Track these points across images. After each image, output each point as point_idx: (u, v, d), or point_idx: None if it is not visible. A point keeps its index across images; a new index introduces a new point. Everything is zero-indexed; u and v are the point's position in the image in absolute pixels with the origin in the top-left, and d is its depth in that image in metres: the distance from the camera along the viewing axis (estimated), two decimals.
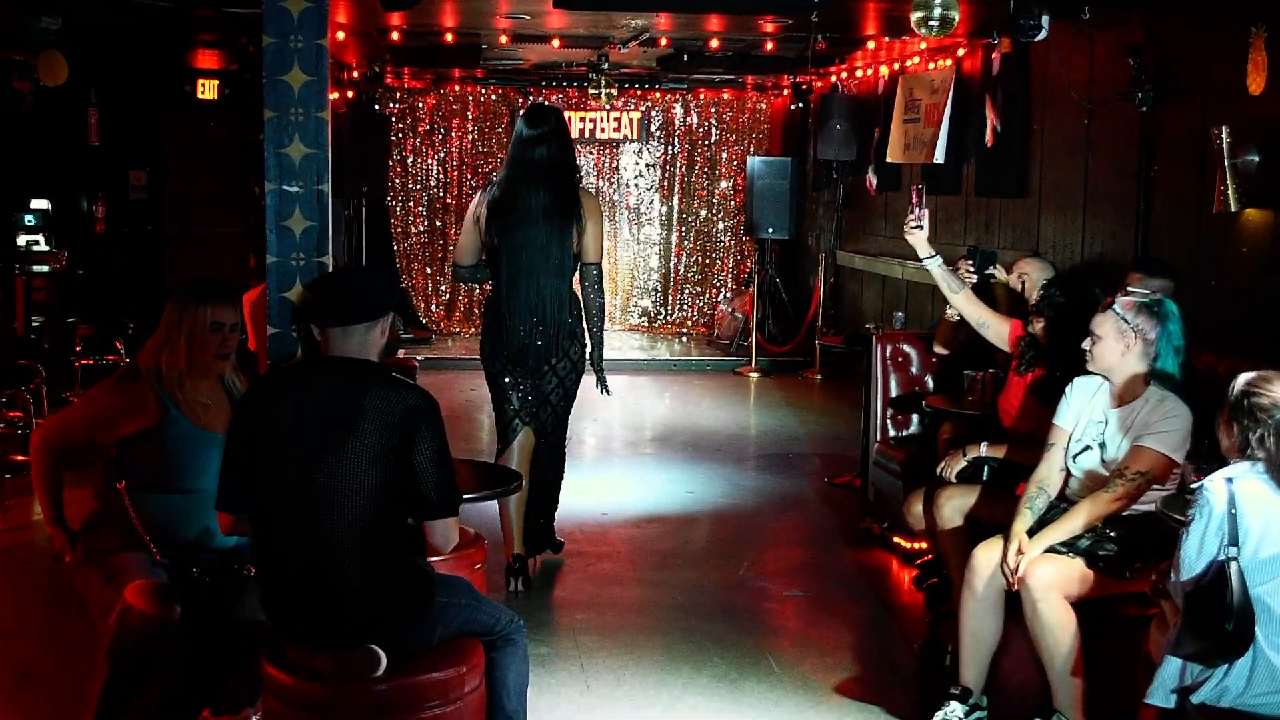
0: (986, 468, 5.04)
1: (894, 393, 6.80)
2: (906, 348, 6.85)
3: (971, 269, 5.80)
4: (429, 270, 13.86)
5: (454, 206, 13.82)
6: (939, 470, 5.12)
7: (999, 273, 5.91)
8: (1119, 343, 4.32)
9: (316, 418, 3.33)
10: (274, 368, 4.28)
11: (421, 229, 13.82)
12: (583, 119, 13.75)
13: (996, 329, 5.46)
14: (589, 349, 5.76)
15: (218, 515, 3.49)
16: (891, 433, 6.80)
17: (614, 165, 14.14)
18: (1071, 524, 4.23)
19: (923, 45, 9.81)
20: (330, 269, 4.49)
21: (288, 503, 3.34)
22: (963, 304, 5.48)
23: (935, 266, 5.43)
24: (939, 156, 9.42)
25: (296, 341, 4.51)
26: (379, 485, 3.31)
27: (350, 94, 12.41)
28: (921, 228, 5.39)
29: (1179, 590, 3.31)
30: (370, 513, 3.31)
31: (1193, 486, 3.90)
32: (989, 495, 4.85)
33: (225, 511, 3.46)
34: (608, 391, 5.77)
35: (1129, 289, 4.64)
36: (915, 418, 6.79)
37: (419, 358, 11.59)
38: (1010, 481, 4.83)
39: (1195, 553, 3.28)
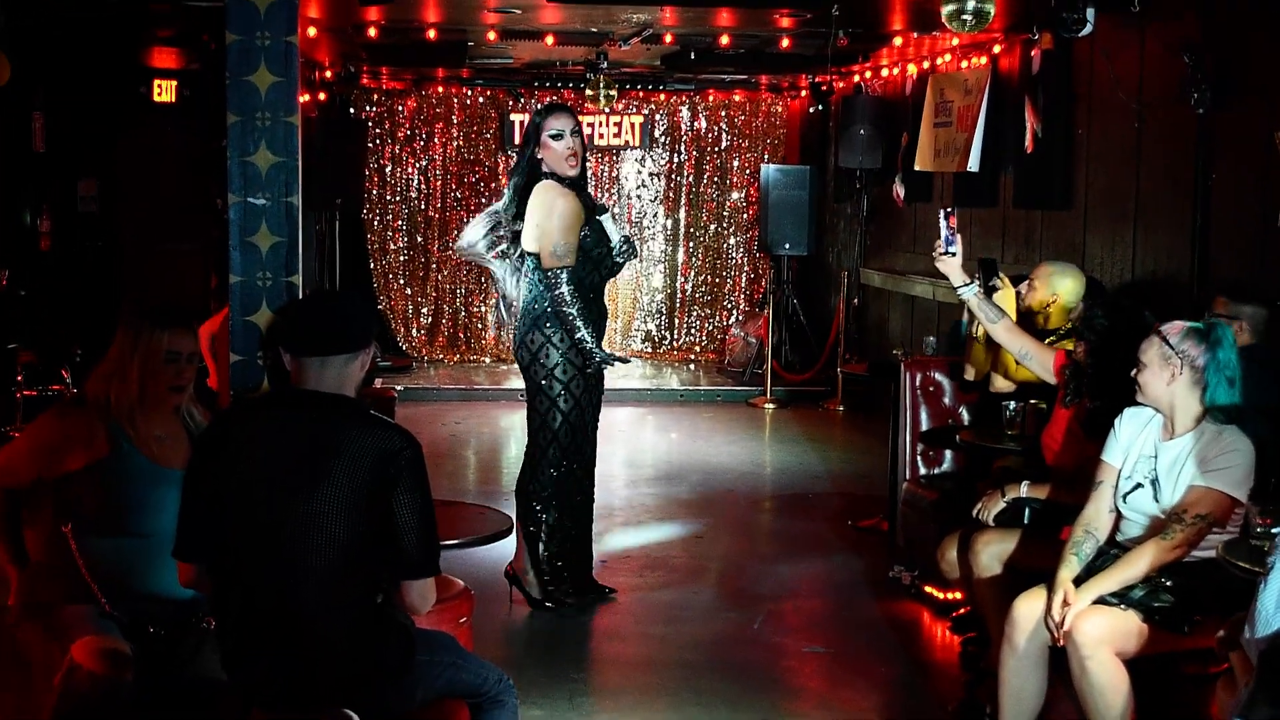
0: (1028, 509, 5.03)
1: (925, 426, 6.78)
2: (938, 376, 6.84)
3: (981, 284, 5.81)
4: (409, 291, 13.88)
5: (436, 220, 13.85)
6: (975, 512, 5.10)
7: (1003, 283, 5.90)
8: (1164, 371, 4.31)
9: (286, 459, 3.32)
10: (238, 400, 4.28)
11: (401, 245, 13.85)
12: (579, 123, 13.81)
13: (1040, 359, 5.45)
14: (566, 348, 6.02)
15: (176, 565, 3.48)
16: (922, 470, 6.79)
17: (614, 175, 14.17)
18: (1124, 572, 4.22)
19: (955, 42, 9.84)
20: (300, 289, 4.50)
21: (252, 551, 3.33)
22: (1003, 335, 5.47)
23: (971, 295, 5.42)
24: (973, 164, 9.43)
25: (262, 370, 4.51)
26: (352, 537, 3.29)
27: (322, 96, 12.44)
28: (954, 254, 5.38)
29: (1254, 647, 3.25)
30: (342, 565, 3.30)
31: (1259, 529, 3.89)
32: (1031, 540, 4.83)
33: (184, 560, 3.45)
34: (612, 361, 6.04)
35: (1215, 315, 4.62)
36: (948, 454, 6.77)
37: (398, 388, 11.58)
38: (1054, 525, 4.82)
39: (1275, 605, 3.23)
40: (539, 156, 6.08)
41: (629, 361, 6.08)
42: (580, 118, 6.55)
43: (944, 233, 5.39)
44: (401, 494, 3.31)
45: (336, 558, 3.29)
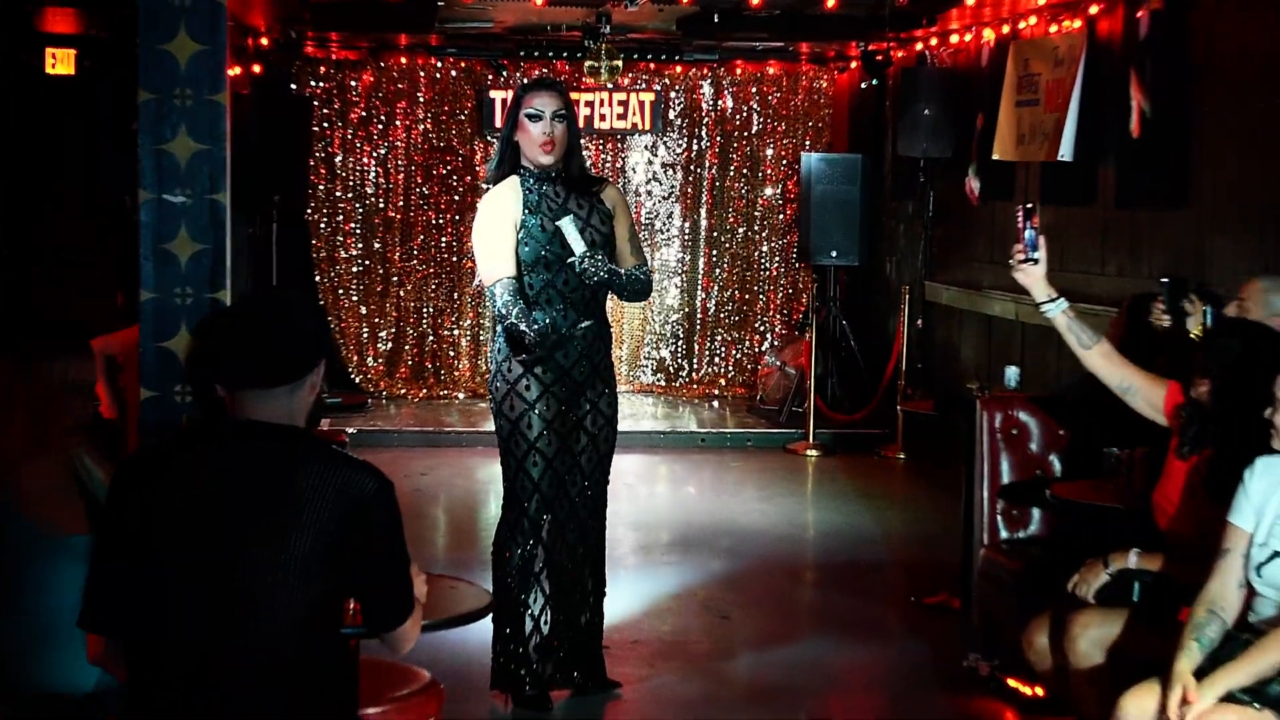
0: (1137, 584, 5.01)
1: (1006, 478, 6.76)
2: (1023, 416, 6.82)
3: (1164, 311, 5.77)
4: (364, 310, 13.89)
5: (398, 222, 13.87)
6: (1071, 587, 5.08)
7: (1194, 308, 5.85)
8: None
9: (231, 505, 3.33)
10: (157, 442, 4.25)
11: (354, 252, 13.87)
12: (576, 102, 13.83)
13: (1147, 395, 5.42)
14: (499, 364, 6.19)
15: (87, 638, 3.48)
16: (1004, 534, 6.76)
17: (619, 165, 14.19)
18: (1258, 662, 4.19)
19: (1041, 0, 9.85)
20: (230, 306, 4.50)
21: (185, 620, 3.33)
22: (1098, 364, 5.46)
23: (1058, 313, 5.42)
24: (1065, 152, 9.43)
25: (181, 407, 4.50)
26: (312, 598, 3.31)
27: (257, 69, 12.47)
28: (1036, 262, 5.37)
29: None
30: (297, 635, 3.32)
31: None
32: (1141, 622, 4.81)
33: (92, 631, 3.45)
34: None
35: None
36: (1036, 513, 6.75)
37: (349, 430, 11.56)
38: (1170, 603, 4.80)
39: None
40: (516, 139, 6.13)
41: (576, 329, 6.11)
42: (574, 96, 6.57)
43: (1024, 235, 5.38)
44: (375, 545, 3.37)
45: (290, 627, 3.30)
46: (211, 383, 3.48)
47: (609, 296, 6.24)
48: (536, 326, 5.97)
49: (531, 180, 6.12)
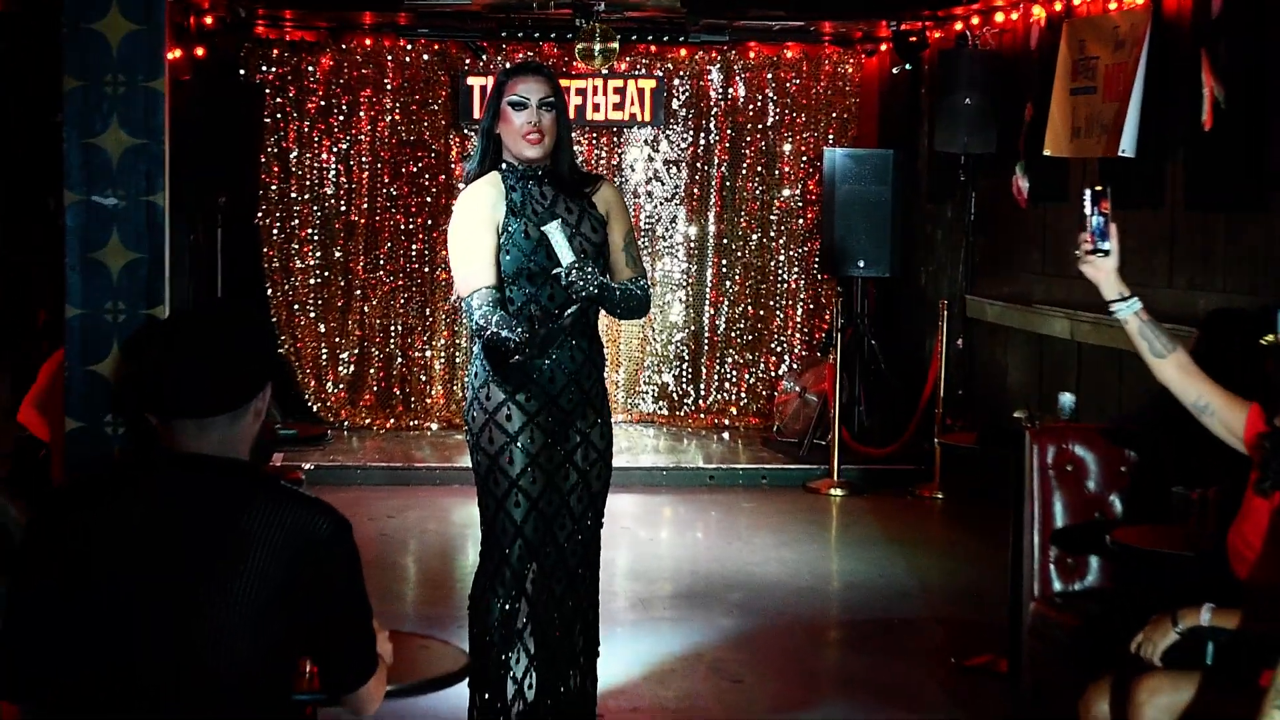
0: (1211, 643, 4.99)
1: (1060, 522, 6.75)
2: (1079, 450, 6.81)
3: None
4: (322, 328, 13.89)
5: (361, 227, 13.87)
6: (1135, 647, 5.07)
7: None
8: None
9: (164, 551, 3.33)
10: (82, 477, 4.24)
11: (312, 262, 13.87)
12: (566, 90, 13.84)
13: (1225, 417, 5.40)
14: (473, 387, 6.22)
15: None
16: (1057, 585, 6.75)
17: (614, 162, 14.20)
18: None
19: None
20: (162, 321, 4.49)
21: (115, 682, 3.32)
22: (1171, 376, 5.43)
23: (1130, 315, 5.39)
24: (1126, 147, 9.42)
25: (113, 440, 4.49)
26: (259, 656, 3.32)
27: (199, 51, 12.47)
28: (1106, 253, 5.35)
29: None
30: (242, 698, 3.32)
31: None
32: (1215, 687, 4.79)
33: (6, 698, 3.43)
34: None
35: None
36: (1095, 561, 6.74)
37: (305, 466, 11.56)
38: (1249, 665, 4.78)
39: None
40: (497, 131, 6.13)
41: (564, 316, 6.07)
42: (564, 83, 6.57)
43: (1092, 221, 5.36)
44: (331, 595, 3.38)
45: (235, 687, 3.31)
46: (142, 410, 3.47)
47: (601, 313, 6.23)
48: (521, 329, 5.94)
49: (515, 178, 6.11)
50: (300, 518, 3.36)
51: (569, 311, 5.99)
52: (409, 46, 13.83)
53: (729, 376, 14.31)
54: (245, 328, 3.57)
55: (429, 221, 13.84)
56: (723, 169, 14.26)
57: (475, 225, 6.05)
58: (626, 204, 6.46)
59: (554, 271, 5.94)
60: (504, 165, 6.15)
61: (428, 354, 13.96)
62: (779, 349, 14.27)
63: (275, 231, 13.83)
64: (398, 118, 13.90)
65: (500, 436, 6.08)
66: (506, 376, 6.05)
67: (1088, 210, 5.37)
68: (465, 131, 13.75)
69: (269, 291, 13.79)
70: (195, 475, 3.41)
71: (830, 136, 14.10)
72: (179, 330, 3.57)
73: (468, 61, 13.80)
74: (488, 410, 6.09)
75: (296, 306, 13.87)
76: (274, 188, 13.77)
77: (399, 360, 13.98)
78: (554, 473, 6.13)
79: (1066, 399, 8.36)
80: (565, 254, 5.90)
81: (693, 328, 14.35)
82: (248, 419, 3.48)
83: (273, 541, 3.33)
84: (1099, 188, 5.42)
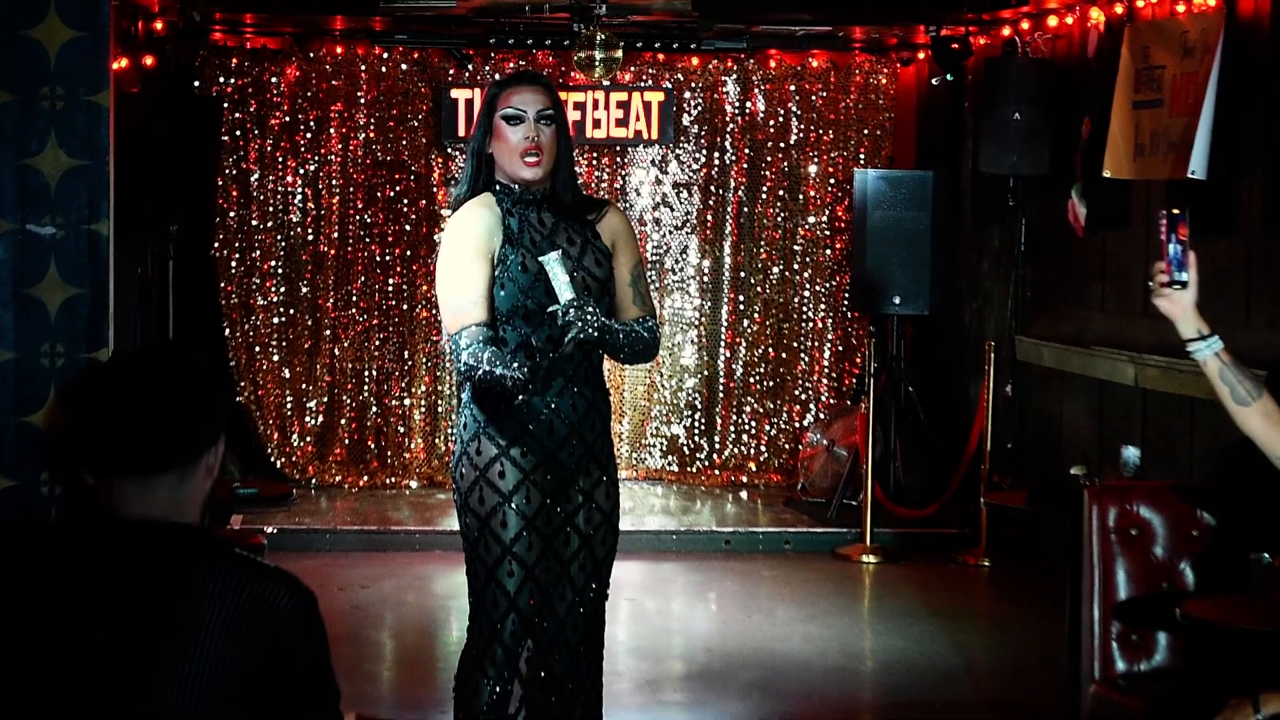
0: None
1: (1123, 593, 6.72)
2: (1145, 511, 6.78)
3: None
4: (287, 373, 13.89)
5: (331, 259, 13.87)
6: None
7: None
8: None
9: (103, 631, 3.31)
10: (8, 540, 4.22)
11: (275, 299, 13.87)
12: (564, 104, 13.85)
13: None
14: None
15: None
16: (1120, 665, 6.72)
17: (618, 185, 14.21)
18: None
19: None
20: (100, 365, 4.48)
21: None
22: (1256, 426, 5.42)
23: (1210, 355, 5.38)
24: (1196, 167, 9.43)
25: (50, 501, 4.48)
26: None
27: (148, 61, 12.49)
28: (1184, 285, 5.34)
29: None
30: None
31: None
32: None
33: None
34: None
35: None
36: (1163, 637, 6.71)
37: (268, 530, 11.54)
38: None
39: None
40: (489, 150, 6.12)
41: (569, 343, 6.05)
42: (563, 95, 6.56)
43: (1169, 249, 5.35)
44: (292, 677, 3.35)
45: None
46: (79, 467, 3.46)
47: (604, 357, 6.22)
48: (519, 365, 5.91)
49: (510, 202, 6.10)
50: (258, 590, 3.34)
51: (569, 336, 5.91)
52: (385, 55, 13.84)
53: (747, 428, 14.30)
54: (196, 372, 3.53)
55: (407, 253, 13.85)
56: (740, 193, 14.26)
57: (468, 253, 6.03)
58: (634, 232, 6.45)
59: (549, 310, 5.93)
60: (497, 187, 6.14)
61: (407, 403, 13.95)
62: (804, 397, 14.26)
63: (234, 264, 13.82)
64: (372, 135, 13.91)
65: (492, 496, 6.07)
66: (501, 427, 6.04)
67: (1164, 236, 5.36)
68: (449, 151, 13.77)
69: (226, 331, 13.78)
70: (138, 543, 3.38)
71: (861, 156, 14.10)
72: (120, 375, 3.52)
73: (452, 72, 13.82)
74: (478, 466, 6.08)
75: (258, 349, 13.87)
76: (232, 214, 13.77)
77: (374, 410, 13.97)
78: (553, 537, 6.12)
79: (1130, 453, 8.36)
80: (564, 291, 5.87)
81: (706, 373, 14.34)
82: (198, 477, 3.45)
83: (227, 618, 3.30)
84: (1176, 210, 5.40)
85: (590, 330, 5.87)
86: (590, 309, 5.86)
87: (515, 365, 5.89)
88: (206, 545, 3.41)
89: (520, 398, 5.97)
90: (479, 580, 6.13)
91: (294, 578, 3.41)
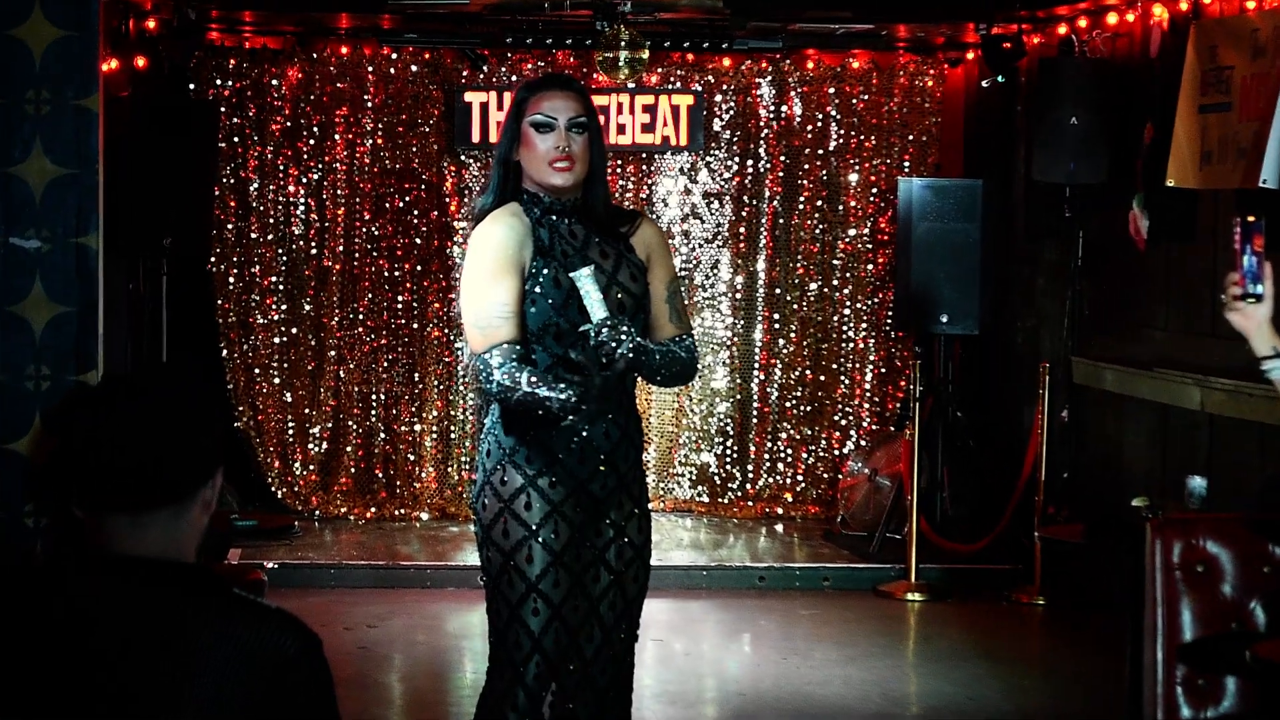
0: None
1: (1189, 633, 6.72)
2: (1212, 546, 6.77)
3: None
4: (288, 397, 13.90)
5: (336, 274, 13.88)
6: None
7: None
8: None
9: (91, 679, 3.30)
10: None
11: (276, 317, 13.89)
12: None
13: None
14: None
15: None
16: (1186, 711, 6.71)
17: (644, 194, 14.22)
18: None
19: None
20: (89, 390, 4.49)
21: None
22: None
23: None
24: (1268, 176, 9.41)
25: (35, 534, 4.49)
26: None
27: (140, 62, 12.53)
28: (1259, 299, 5.34)
29: None
30: None
31: None
32: None
33: None
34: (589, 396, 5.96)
35: None
36: (1232, 682, 6.70)
37: (268, 565, 11.54)
38: None
39: None
40: (515, 158, 6.13)
41: (617, 360, 6.02)
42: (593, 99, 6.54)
43: (1244, 261, 5.35)
44: None
45: None
46: (66, 501, 3.45)
47: (637, 381, 6.21)
48: (566, 387, 5.89)
49: (539, 212, 6.10)
50: (259, 634, 3.34)
51: (617, 354, 5.90)
52: (394, 55, 13.87)
53: (783, 456, 14.29)
54: (192, 399, 3.53)
55: (418, 268, 13.87)
56: (775, 203, 14.26)
57: (497, 266, 6.02)
58: (669, 245, 6.44)
59: (581, 329, 5.92)
60: (525, 196, 6.14)
61: (417, 429, 13.96)
62: (844, 422, 14.25)
63: (232, 280, 13.84)
64: (380, 142, 13.93)
65: (517, 530, 6.06)
66: (529, 455, 6.04)
67: (1238, 245, 5.36)
68: (462, 158, 13.78)
69: (224, 352, 13.80)
70: (130, 585, 3.38)
71: (906, 164, 14.10)
72: (111, 402, 3.50)
73: (465, 74, 13.83)
74: (503, 497, 6.07)
75: (257, 370, 13.88)
76: (230, 227, 13.79)
77: (382, 436, 13.98)
78: (582, 574, 6.12)
79: (1196, 484, 8.34)
80: (597, 309, 5.86)
81: (739, 396, 14.34)
82: (194, 512, 3.45)
83: (226, 665, 3.30)
84: (1252, 219, 5.40)
85: (624, 349, 5.87)
86: (625, 328, 5.85)
87: (561, 386, 5.90)
88: (203, 586, 3.40)
89: (565, 420, 5.96)
90: (501, 619, 6.13)
91: (297, 620, 3.40)
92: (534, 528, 6.03)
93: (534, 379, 5.88)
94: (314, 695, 3.38)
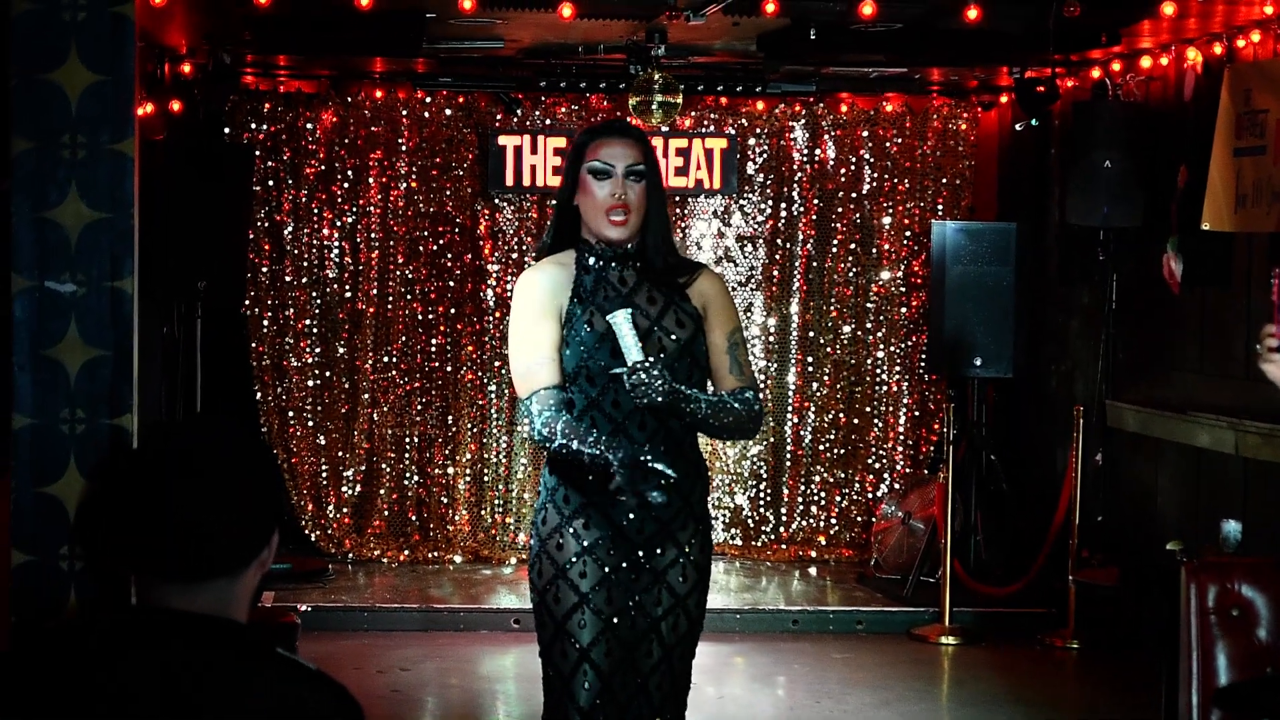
0: None
1: (1224, 678, 6.70)
2: (1247, 591, 6.75)
3: None
4: (322, 440, 13.91)
5: (369, 318, 13.89)
6: None
7: None
8: None
9: None
10: (27, 649, 4.21)
11: (310, 360, 13.90)
12: None
13: None
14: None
15: None
16: None
17: (678, 239, 14.19)
18: None
19: (1270, 9, 9.85)
20: (134, 439, 4.48)
21: None
22: None
23: None
24: None
25: (69, 577, 4.48)
26: None
27: (175, 106, 12.56)
28: None
29: None
30: None
31: None
32: None
33: None
34: (645, 482, 5.88)
35: None
36: None
37: (302, 608, 11.54)
38: None
39: None
40: (575, 204, 6.16)
41: (670, 478, 5.97)
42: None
43: None
44: None
45: None
46: (112, 566, 3.41)
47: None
48: (617, 451, 5.85)
49: (592, 259, 6.11)
50: (301, 698, 3.30)
51: (652, 395, 5.83)
52: (428, 99, 13.89)
53: (816, 499, 14.27)
54: (248, 465, 3.46)
55: (451, 311, 13.87)
56: (809, 246, 14.26)
57: (535, 313, 6.06)
58: (731, 299, 6.40)
59: (614, 371, 5.92)
60: (582, 244, 6.16)
61: (450, 471, 13.95)
62: (877, 466, 14.23)
63: (266, 323, 13.87)
64: (414, 185, 13.95)
65: (549, 569, 6.08)
66: (568, 497, 6.04)
67: (1276, 295, 5.36)
68: (496, 202, 13.80)
69: (258, 396, 13.82)
70: (176, 648, 3.33)
71: (939, 207, 14.10)
72: (161, 473, 3.40)
73: (499, 117, 13.85)
74: (541, 536, 6.11)
75: (291, 414, 13.90)
76: (265, 270, 13.81)
77: (415, 479, 13.97)
78: (614, 616, 6.10)
79: (1231, 528, 8.32)
80: (632, 350, 5.84)
81: (772, 440, 14.31)
82: (249, 574, 3.42)
83: None
84: None
85: (654, 393, 5.82)
86: (657, 370, 5.81)
87: (591, 440, 5.88)
88: (252, 649, 3.37)
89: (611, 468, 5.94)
90: (544, 666, 6.14)
91: (339, 685, 3.36)
92: (564, 567, 6.03)
93: (567, 429, 5.89)
94: None
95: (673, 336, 6.04)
